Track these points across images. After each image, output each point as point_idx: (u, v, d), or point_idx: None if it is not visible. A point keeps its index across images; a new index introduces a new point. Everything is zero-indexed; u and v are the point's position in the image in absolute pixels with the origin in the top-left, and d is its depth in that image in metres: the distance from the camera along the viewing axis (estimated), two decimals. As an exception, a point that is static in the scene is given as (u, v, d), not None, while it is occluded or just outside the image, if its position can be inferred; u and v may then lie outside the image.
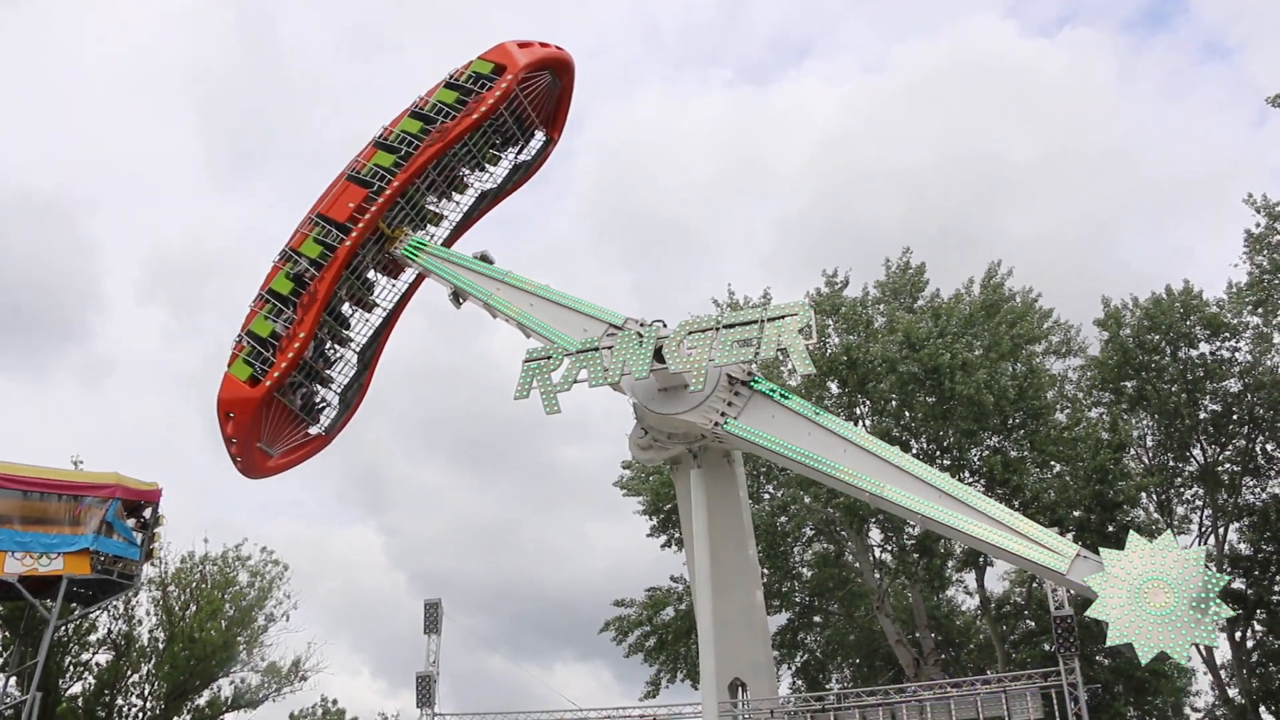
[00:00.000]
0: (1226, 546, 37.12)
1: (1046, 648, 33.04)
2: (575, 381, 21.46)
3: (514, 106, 27.45)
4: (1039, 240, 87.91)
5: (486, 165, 28.25)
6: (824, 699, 25.98)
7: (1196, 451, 36.86)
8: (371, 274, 27.08)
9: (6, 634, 35.55)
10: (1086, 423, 34.42)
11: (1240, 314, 34.04)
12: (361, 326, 27.32)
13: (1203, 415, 36.05)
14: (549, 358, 21.89)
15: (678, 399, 21.26)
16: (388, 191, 25.93)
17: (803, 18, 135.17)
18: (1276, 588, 35.61)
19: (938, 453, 35.11)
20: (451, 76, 27.45)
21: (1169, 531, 18.24)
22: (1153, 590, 16.57)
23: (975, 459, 34.80)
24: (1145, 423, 37.18)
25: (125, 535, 30.16)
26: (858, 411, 36.47)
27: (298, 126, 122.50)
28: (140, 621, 39.92)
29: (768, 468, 36.46)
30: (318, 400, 26.64)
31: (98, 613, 36.30)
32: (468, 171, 27.96)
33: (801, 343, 20.19)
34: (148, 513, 31.16)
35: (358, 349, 27.14)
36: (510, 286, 24.58)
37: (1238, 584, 36.94)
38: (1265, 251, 30.94)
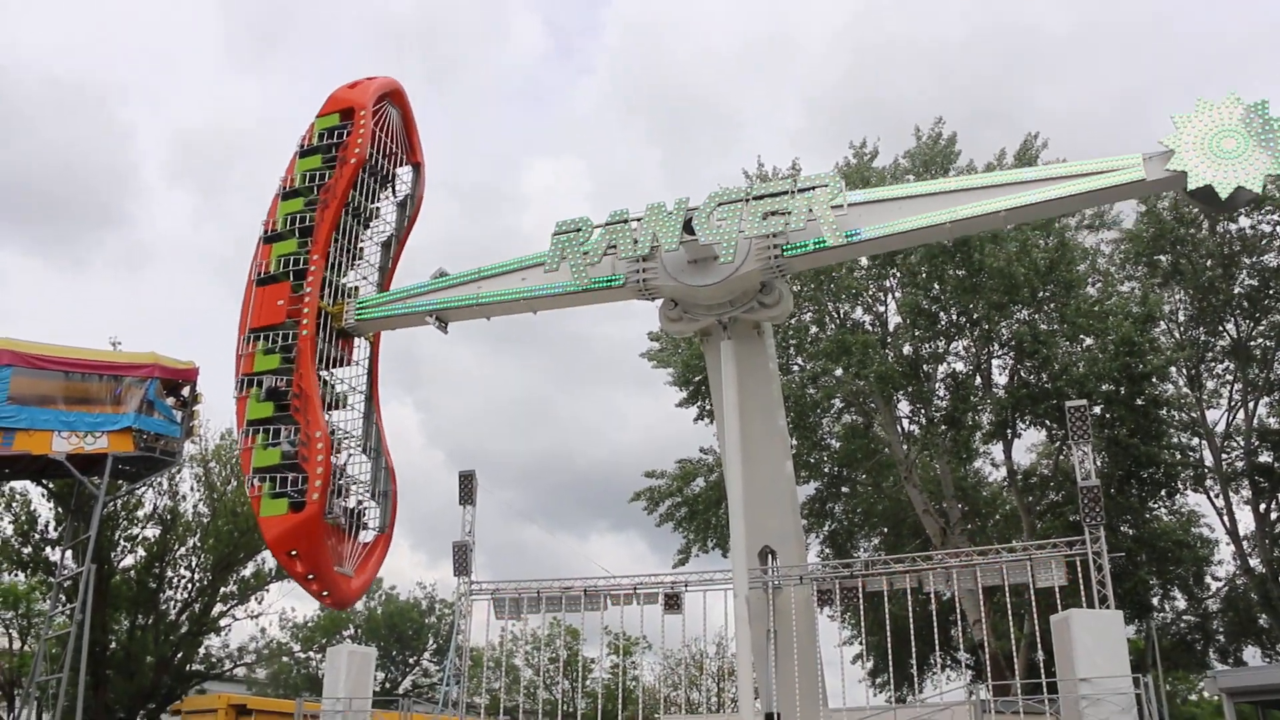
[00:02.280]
0: (1256, 420, 37.15)
1: (1072, 518, 33.45)
2: (606, 253, 21.33)
3: (377, 144, 25.93)
4: (1072, 116, 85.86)
5: (371, 220, 26.61)
6: (852, 566, 26.50)
7: (1230, 326, 36.55)
8: (324, 373, 24.75)
9: (59, 510, 36.78)
10: (1118, 297, 34.10)
11: (1283, 187, 33.26)
12: (350, 424, 25.41)
13: (1238, 290, 35.60)
14: (579, 230, 21.79)
15: (711, 269, 21.04)
16: (312, 268, 24.17)
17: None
18: (1304, 461, 35.78)
19: (967, 325, 35.04)
20: (303, 145, 25.74)
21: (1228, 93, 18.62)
22: (1223, 140, 17.68)
23: (1004, 331, 34.73)
24: (1179, 297, 36.82)
25: (165, 414, 30.78)
26: (887, 284, 36.35)
27: (315, 6, 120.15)
28: (184, 497, 41.12)
29: (798, 340, 36.54)
30: (355, 507, 24.66)
31: (143, 489, 37.39)
32: (360, 233, 26.18)
33: (832, 214, 19.94)
34: (186, 391, 31.73)
35: (359, 446, 25.40)
36: (490, 277, 23.33)
37: (1265, 457, 37.11)
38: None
